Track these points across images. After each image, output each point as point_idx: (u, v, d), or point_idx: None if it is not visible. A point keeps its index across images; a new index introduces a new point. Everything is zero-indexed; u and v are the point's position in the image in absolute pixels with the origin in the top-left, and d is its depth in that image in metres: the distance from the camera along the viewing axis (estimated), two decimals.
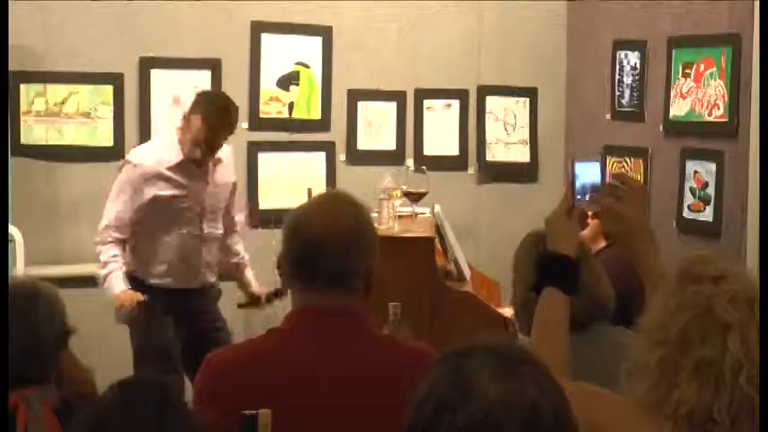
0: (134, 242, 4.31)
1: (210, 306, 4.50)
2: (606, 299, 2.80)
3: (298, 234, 2.22)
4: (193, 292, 4.41)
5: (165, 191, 4.22)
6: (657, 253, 2.25)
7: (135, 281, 4.28)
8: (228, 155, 4.45)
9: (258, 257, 4.77)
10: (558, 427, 1.46)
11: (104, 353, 4.34)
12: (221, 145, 4.27)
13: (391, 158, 5.61)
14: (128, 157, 4.37)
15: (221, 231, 4.46)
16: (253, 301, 4.61)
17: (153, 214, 4.25)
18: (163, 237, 4.29)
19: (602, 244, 4.13)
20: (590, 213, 2.29)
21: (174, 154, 4.23)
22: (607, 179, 2.33)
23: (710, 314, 1.80)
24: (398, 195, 4.24)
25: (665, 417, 1.80)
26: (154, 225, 4.27)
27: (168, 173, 4.22)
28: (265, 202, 5.54)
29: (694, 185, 4.84)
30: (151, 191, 4.21)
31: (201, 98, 4.27)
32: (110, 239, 4.22)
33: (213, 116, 4.15)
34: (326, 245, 2.18)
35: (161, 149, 4.30)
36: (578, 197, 2.23)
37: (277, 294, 4.42)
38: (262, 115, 5.54)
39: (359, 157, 5.68)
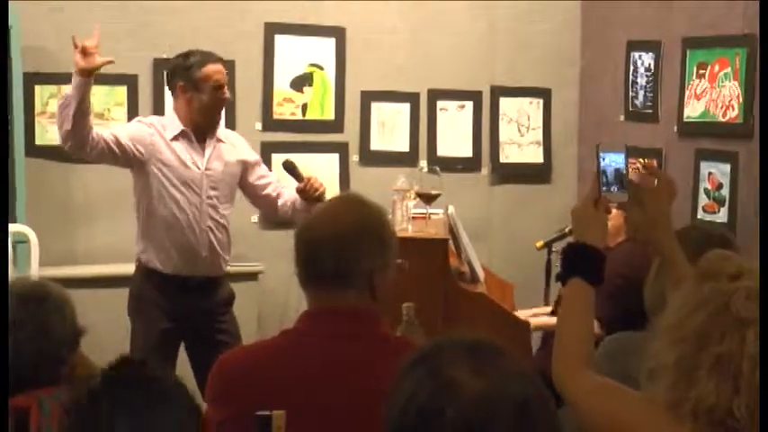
0: (139, 226, 4.29)
1: (220, 308, 4.33)
2: None
3: (303, 235, 2.27)
4: (197, 285, 4.26)
5: (163, 157, 4.21)
6: (680, 248, 2.25)
7: (143, 269, 4.26)
8: (237, 139, 4.46)
9: (271, 259, 4.77)
10: (547, 412, 1.47)
11: (119, 354, 4.33)
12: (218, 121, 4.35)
13: (404, 159, 5.60)
14: (139, 117, 4.46)
15: (226, 219, 4.32)
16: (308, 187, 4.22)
17: (149, 188, 4.22)
18: (161, 213, 4.21)
19: (620, 239, 4.14)
20: (613, 205, 2.27)
21: (176, 125, 4.26)
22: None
23: (728, 311, 1.80)
24: (412, 196, 4.23)
25: (685, 416, 1.80)
26: (151, 200, 4.22)
27: (169, 141, 4.23)
28: None
29: (708, 187, 4.82)
30: (150, 154, 4.20)
31: (198, 77, 4.26)
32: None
33: (208, 99, 4.24)
34: (326, 243, 2.21)
35: (166, 121, 4.33)
36: (604, 188, 2.22)
37: (319, 198, 4.17)
38: (275, 116, 5.54)
39: (372, 159, 5.67)
